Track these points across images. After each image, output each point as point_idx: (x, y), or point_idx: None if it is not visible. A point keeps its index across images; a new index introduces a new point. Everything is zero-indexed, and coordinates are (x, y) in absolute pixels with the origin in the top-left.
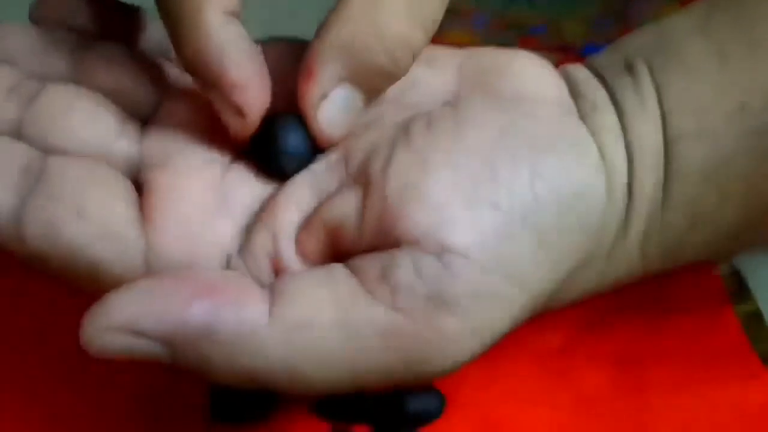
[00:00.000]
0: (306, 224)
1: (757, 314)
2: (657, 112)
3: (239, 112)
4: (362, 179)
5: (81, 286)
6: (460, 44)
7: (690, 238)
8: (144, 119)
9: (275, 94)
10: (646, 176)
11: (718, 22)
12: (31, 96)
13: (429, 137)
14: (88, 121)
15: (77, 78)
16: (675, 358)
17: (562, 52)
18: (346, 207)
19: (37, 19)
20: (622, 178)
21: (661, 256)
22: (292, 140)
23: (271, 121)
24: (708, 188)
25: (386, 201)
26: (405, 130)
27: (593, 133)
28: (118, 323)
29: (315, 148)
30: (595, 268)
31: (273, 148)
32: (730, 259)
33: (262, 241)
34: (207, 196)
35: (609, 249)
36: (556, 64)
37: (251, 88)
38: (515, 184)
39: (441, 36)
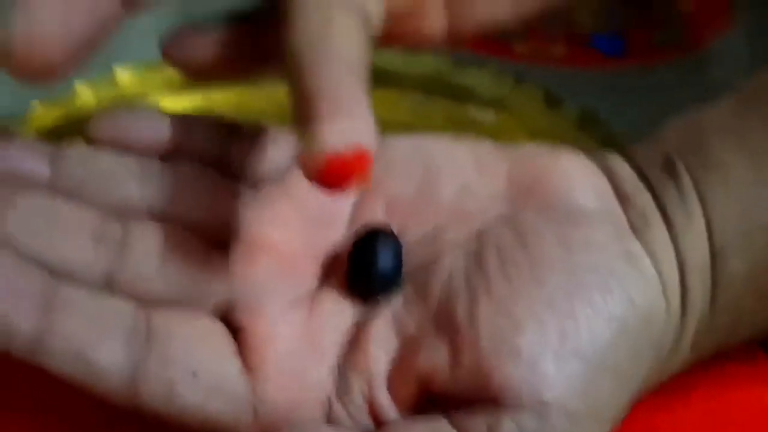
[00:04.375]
0: (397, 371)
1: None
2: (703, 227)
3: (315, 130)
4: (448, 327)
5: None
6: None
7: (736, 333)
8: (221, 246)
9: None
10: (695, 288)
11: (750, 126)
12: (118, 242)
13: (508, 285)
14: (181, 267)
15: (152, 206)
16: (680, 404)
17: (569, 42)
18: (438, 359)
19: (98, 137)
20: (675, 291)
21: (709, 349)
22: (390, 262)
23: (368, 238)
24: (749, 291)
25: (480, 356)
26: (478, 265)
27: (648, 249)
28: None
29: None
30: (654, 374)
31: (370, 270)
32: None
33: (357, 386)
34: (300, 339)
35: (666, 357)
36: (564, 57)
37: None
38: (595, 332)
39: None
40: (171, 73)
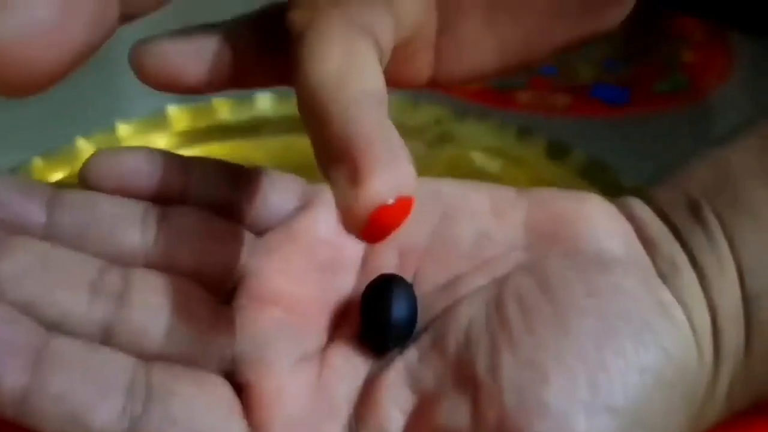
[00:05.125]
0: (414, 429)
1: None
2: (734, 273)
3: (358, 180)
4: (468, 382)
5: None
6: (470, 87)
7: None
8: (225, 296)
9: None
10: (729, 336)
11: None
12: (117, 293)
13: (531, 334)
14: (183, 321)
15: (152, 254)
16: None
17: (572, 92)
18: (458, 415)
19: (92, 182)
20: (708, 340)
21: (746, 399)
22: (404, 312)
23: (381, 287)
24: None
25: (504, 412)
26: (498, 314)
27: (678, 297)
28: None
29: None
30: (687, 427)
31: (383, 320)
32: None
33: None
34: (309, 396)
35: (699, 408)
36: (568, 105)
37: (382, 160)
38: (628, 385)
39: None
40: (172, 127)
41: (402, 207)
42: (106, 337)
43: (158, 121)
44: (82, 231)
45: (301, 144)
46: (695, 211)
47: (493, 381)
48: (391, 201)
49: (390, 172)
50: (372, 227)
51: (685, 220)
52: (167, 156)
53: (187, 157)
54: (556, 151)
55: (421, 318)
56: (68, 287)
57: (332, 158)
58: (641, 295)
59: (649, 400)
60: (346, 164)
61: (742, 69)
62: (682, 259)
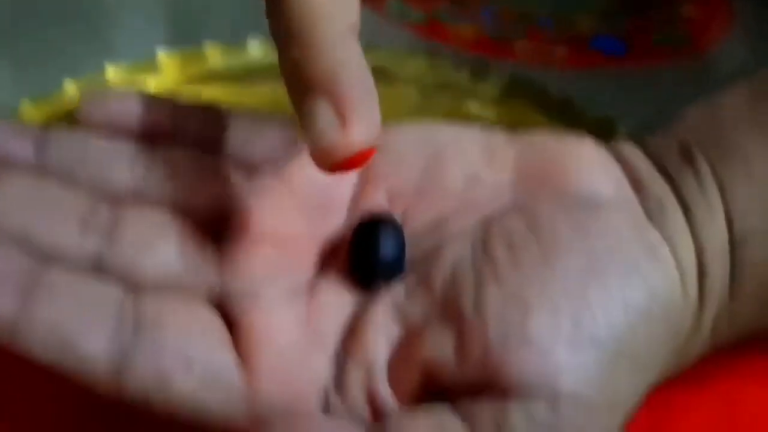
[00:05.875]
0: (399, 361)
1: None
2: (722, 215)
3: (345, 123)
4: (454, 316)
5: (181, 425)
6: (466, 37)
7: (758, 321)
8: (214, 233)
9: None
10: (714, 274)
11: (766, 113)
12: (108, 226)
13: (517, 269)
14: (174, 252)
15: (142, 191)
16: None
17: (571, 43)
18: (443, 348)
19: (86, 121)
20: (693, 278)
21: (730, 337)
22: (392, 249)
23: (370, 224)
24: None
25: (488, 345)
26: (485, 252)
27: (665, 236)
28: None
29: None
30: (671, 363)
31: (372, 256)
32: None
33: (356, 377)
34: (297, 329)
35: (684, 345)
36: (565, 57)
37: (365, 105)
38: (612, 318)
39: (448, 30)
40: (163, 72)
41: (369, 153)
42: (97, 270)
43: (148, 65)
44: (72, 168)
45: None
46: (686, 156)
47: (477, 315)
48: (367, 147)
49: (370, 119)
50: (341, 167)
51: (675, 163)
52: (158, 99)
53: (178, 99)
54: (549, 100)
55: (409, 256)
56: (58, 221)
57: (312, 89)
58: (628, 234)
59: (633, 334)
60: (328, 99)
61: (742, 25)
62: (670, 200)
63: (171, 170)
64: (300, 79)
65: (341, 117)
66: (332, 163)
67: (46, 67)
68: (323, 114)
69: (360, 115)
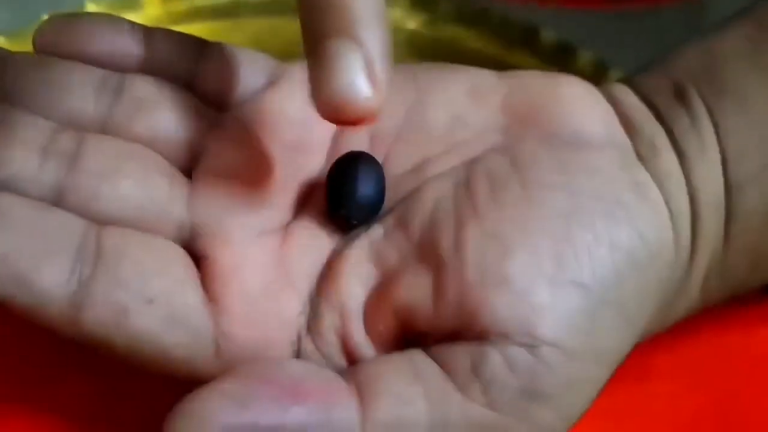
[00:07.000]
0: (375, 305)
1: None
2: (717, 157)
3: (375, 80)
4: (431, 258)
5: (144, 368)
6: None
7: (751, 277)
8: (186, 169)
9: None
10: (708, 221)
11: (766, 51)
12: (69, 156)
13: (498, 208)
14: (137, 184)
15: (107, 122)
16: (681, 345)
17: None
18: (419, 291)
19: (46, 48)
20: (686, 225)
21: (720, 293)
22: (370, 184)
23: (348, 163)
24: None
25: (466, 287)
26: (466, 192)
27: (656, 179)
28: None
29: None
30: (659, 316)
31: (348, 191)
32: None
33: (329, 320)
34: (269, 270)
35: (673, 297)
36: None
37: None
38: (596, 261)
39: None
40: (144, 8)
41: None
42: (57, 200)
43: (130, 1)
44: (33, 94)
45: (281, 27)
46: (680, 95)
47: (456, 256)
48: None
49: (384, 84)
50: (352, 120)
51: (669, 103)
52: (129, 24)
53: (151, 27)
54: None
55: (389, 199)
56: (16, 147)
57: (341, 32)
58: (616, 174)
59: (620, 281)
60: (359, 49)
61: None
62: (662, 141)
63: (139, 101)
64: (328, 17)
65: (372, 72)
66: (345, 116)
67: (25, 2)
68: (353, 62)
69: (389, 76)
